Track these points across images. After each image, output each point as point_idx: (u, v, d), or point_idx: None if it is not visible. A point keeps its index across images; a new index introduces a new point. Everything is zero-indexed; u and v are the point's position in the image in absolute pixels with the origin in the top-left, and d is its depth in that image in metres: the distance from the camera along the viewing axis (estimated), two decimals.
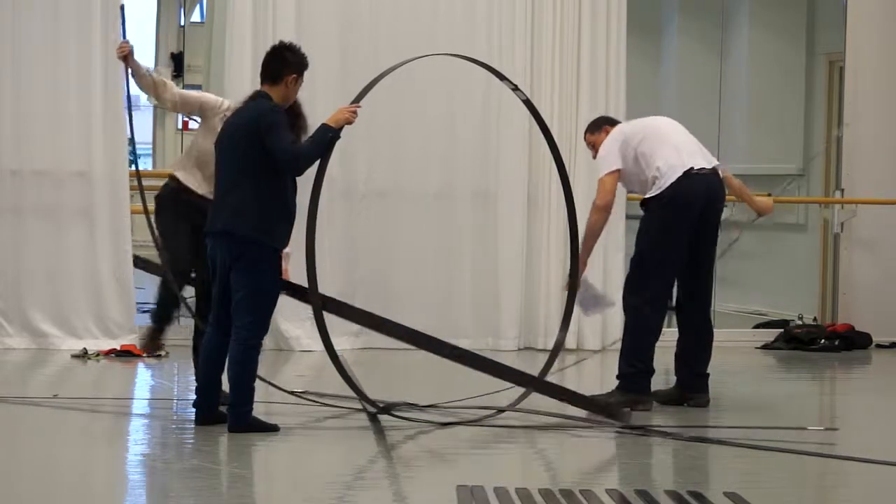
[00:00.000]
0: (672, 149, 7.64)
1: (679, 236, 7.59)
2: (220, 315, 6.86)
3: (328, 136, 6.78)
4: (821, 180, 12.38)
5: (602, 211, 7.65)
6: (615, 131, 7.83)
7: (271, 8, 10.01)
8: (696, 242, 7.65)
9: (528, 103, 7.72)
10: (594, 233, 7.72)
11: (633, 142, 7.69)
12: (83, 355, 9.30)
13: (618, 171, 7.66)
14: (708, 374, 7.81)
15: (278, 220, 6.76)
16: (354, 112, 6.88)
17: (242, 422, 6.73)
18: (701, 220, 7.63)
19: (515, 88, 7.66)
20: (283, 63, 6.89)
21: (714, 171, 7.70)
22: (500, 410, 7.33)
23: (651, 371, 7.62)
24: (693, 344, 7.79)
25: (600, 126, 7.97)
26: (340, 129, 6.83)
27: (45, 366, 9.15)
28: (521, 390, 7.40)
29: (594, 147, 7.92)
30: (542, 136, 7.84)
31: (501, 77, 7.73)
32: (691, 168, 7.58)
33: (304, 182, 6.89)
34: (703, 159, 7.68)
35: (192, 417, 6.95)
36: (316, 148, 6.78)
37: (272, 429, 6.82)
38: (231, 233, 6.73)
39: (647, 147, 7.64)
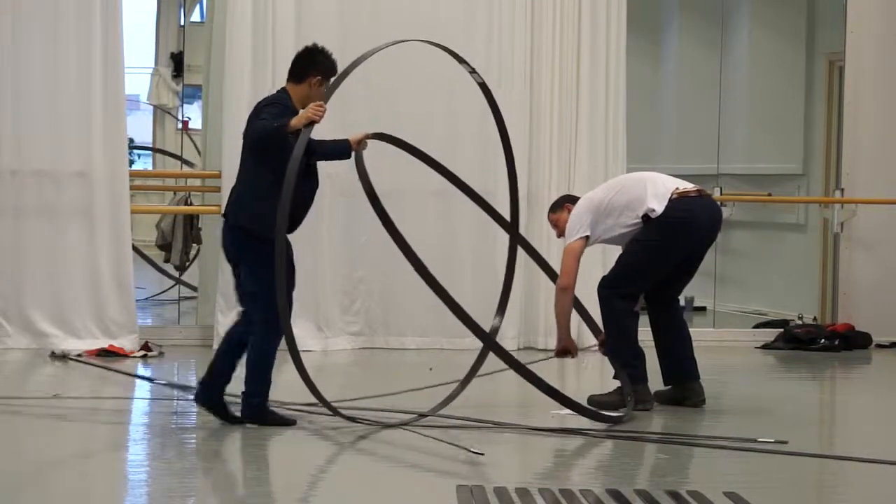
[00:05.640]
0: (653, 184, 7.65)
1: (674, 256, 7.65)
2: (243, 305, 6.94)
3: (276, 126, 6.63)
4: (821, 180, 12.37)
5: (566, 291, 7.57)
6: (583, 200, 7.78)
7: (271, 8, 10.00)
8: (686, 260, 7.73)
9: (483, 86, 7.65)
10: (565, 313, 7.62)
11: (606, 199, 7.65)
12: (62, 357, 9.26)
13: (585, 238, 7.62)
14: (694, 360, 7.78)
15: (274, 211, 6.68)
16: (317, 109, 6.70)
17: (256, 412, 6.78)
18: (699, 243, 7.71)
19: (473, 71, 7.62)
20: (311, 63, 6.86)
21: (705, 193, 7.78)
22: (422, 415, 7.13)
23: (641, 352, 7.61)
24: (667, 334, 7.79)
25: (562, 205, 7.89)
26: (311, 125, 6.67)
27: (45, 366, 9.15)
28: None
29: (557, 226, 7.87)
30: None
31: (460, 59, 7.65)
32: (683, 191, 7.62)
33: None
34: (687, 183, 7.76)
35: (192, 417, 6.95)
36: (273, 126, 6.62)
37: (288, 422, 6.84)
38: (232, 224, 6.79)
39: (624, 196, 7.62)
